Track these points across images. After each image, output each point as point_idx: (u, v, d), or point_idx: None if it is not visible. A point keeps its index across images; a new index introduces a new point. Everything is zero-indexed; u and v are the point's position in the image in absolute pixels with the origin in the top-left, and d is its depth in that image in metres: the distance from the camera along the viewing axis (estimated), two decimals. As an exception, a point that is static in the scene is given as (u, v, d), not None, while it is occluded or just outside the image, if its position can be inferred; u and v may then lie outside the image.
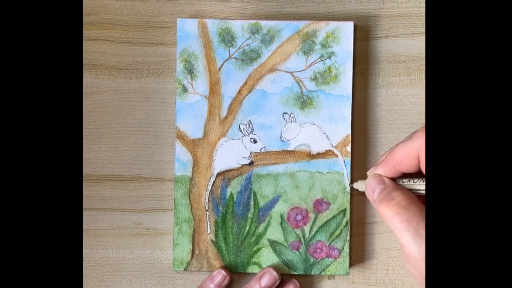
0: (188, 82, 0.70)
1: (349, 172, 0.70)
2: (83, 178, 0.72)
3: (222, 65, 0.71)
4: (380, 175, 0.63)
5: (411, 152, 0.59)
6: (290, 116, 0.70)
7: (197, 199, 0.71)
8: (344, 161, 0.70)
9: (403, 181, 0.62)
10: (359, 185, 0.67)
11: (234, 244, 0.71)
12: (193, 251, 0.71)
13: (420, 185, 0.60)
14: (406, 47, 0.72)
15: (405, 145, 0.60)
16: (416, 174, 0.62)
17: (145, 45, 0.72)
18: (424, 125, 0.58)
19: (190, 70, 0.70)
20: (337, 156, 0.70)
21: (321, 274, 0.71)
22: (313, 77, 0.70)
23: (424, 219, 0.56)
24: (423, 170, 0.59)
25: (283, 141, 0.71)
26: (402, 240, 0.57)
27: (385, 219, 0.59)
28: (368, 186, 0.63)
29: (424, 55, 0.71)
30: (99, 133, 0.72)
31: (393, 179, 0.62)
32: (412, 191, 0.61)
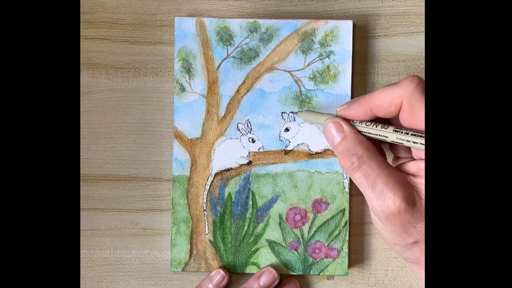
0: (186, 81, 0.70)
1: (348, 172, 0.70)
2: (80, 178, 0.72)
3: (220, 64, 0.70)
4: (338, 120, 0.62)
5: (395, 98, 0.58)
6: (288, 115, 0.70)
7: (195, 199, 0.70)
8: None
9: (367, 124, 0.61)
10: (304, 115, 0.67)
11: (232, 244, 0.70)
12: (191, 252, 0.70)
13: (380, 131, 0.60)
14: (405, 46, 0.71)
15: (389, 90, 0.59)
16: (387, 120, 0.62)
17: (143, 44, 0.72)
18: (414, 74, 0.58)
19: (188, 69, 0.70)
20: (336, 156, 0.70)
21: (320, 274, 0.70)
22: (311, 76, 0.70)
23: (383, 172, 0.58)
24: (402, 121, 0.59)
25: (281, 140, 0.70)
26: (364, 193, 0.59)
27: (345, 170, 0.60)
28: (327, 131, 0.62)
29: (423, 54, 0.71)
30: (96, 132, 0.72)
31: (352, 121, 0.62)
32: (366, 133, 0.61)
